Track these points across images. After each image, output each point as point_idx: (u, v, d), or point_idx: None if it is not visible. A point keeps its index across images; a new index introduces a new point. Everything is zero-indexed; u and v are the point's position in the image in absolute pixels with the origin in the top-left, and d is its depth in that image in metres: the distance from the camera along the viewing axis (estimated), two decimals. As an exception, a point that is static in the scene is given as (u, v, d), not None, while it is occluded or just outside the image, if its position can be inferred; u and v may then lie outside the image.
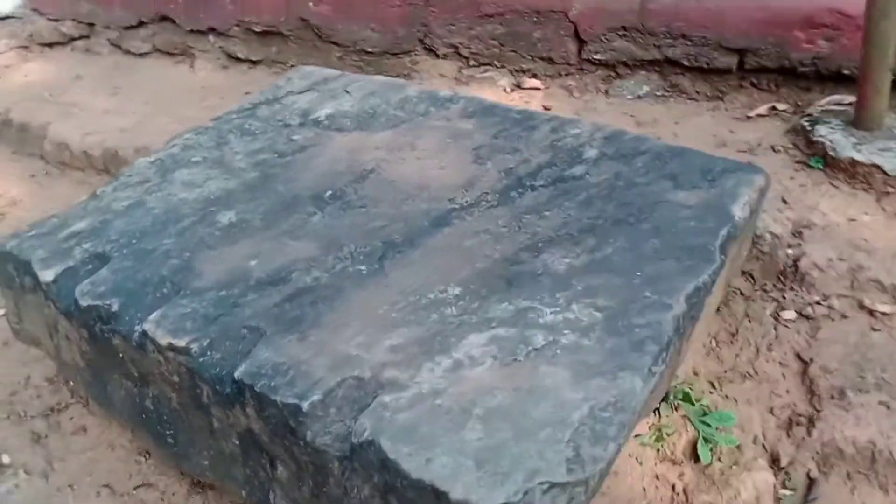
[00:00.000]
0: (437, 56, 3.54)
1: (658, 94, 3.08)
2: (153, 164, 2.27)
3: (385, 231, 1.82)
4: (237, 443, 1.51)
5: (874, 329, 2.00)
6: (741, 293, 2.14)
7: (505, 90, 3.26)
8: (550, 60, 3.27)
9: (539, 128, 2.27)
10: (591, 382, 1.31)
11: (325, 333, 1.50)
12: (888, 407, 1.77)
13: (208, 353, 1.49)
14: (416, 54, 3.59)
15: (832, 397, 1.83)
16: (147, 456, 1.93)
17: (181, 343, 1.51)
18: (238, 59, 4.08)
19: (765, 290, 2.15)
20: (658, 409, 1.80)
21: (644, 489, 1.69)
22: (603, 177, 1.99)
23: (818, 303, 2.09)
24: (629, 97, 3.08)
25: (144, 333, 1.54)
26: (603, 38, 3.09)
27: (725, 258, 1.69)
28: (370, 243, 1.77)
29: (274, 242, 1.81)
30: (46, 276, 1.79)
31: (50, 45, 4.75)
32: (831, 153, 2.41)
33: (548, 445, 1.21)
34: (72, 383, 2.09)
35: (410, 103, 2.50)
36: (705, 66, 2.96)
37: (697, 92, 3.04)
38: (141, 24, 4.37)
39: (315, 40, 3.83)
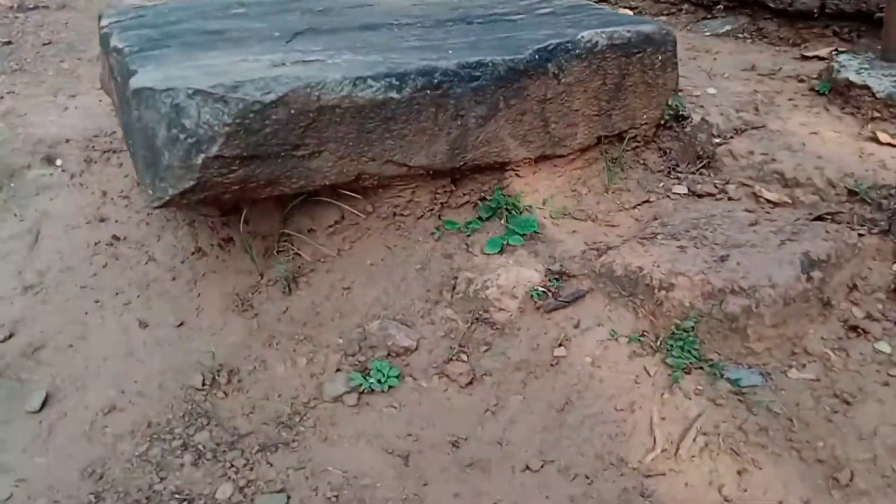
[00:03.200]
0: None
1: (739, 35, 3.01)
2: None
3: (320, 24, 2.20)
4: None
5: (748, 210, 1.92)
6: (644, 163, 2.15)
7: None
8: (655, -3, 3.34)
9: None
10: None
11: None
12: (682, 249, 1.74)
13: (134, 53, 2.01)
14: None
15: (645, 238, 1.83)
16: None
17: (120, 45, 2.06)
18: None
19: (673, 168, 2.14)
20: (481, 216, 1.96)
21: (428, 260, 1.88)
22: (531, 21, 2.17)
23: (714, 185, 2.04)
24: (707, 33, 3.06)
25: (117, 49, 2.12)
26: (700, -25, 3.11)
27: (552, 66, 1.82)
28: (299, 28, 2.17)
29: (242, 21, 2.30)
30: (102, 22, 2.49)
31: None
32: (835, 76, 2.26)
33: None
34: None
35: None
36: (789, 7, 2.85)
37: (780, 38, 2.93)
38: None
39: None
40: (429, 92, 1.68)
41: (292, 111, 1.53)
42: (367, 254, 1.89)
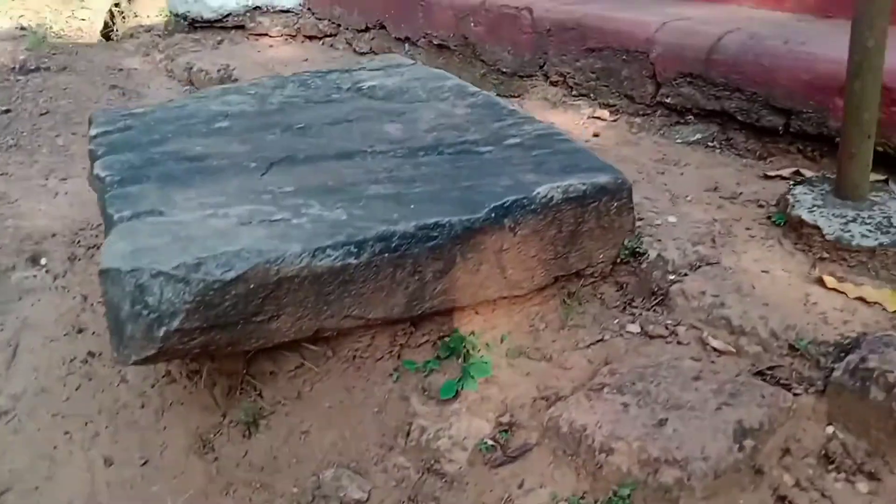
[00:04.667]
0: (550, 82, 3.90)
1: (709, 143, 3.11)
2: (226, 89, 3.02)
3: (297, 149, 2.31)
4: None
5: (694, 359, 1.99)
6: (601, 298, 2.23)
7: (582, 118, 3.52)
8: (632, 99, 3.45)
9: (506, 120, 2.59)
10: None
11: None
12: (625, 407, 1.82)
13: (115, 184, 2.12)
14: (535, 78, 3.99)
15: (592, 390, 1.91)
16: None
17: (102, 174, 2.17)
18: (418, 65, 4.78)
19: (629, 303, 2.22)
20: (439, 355, 2.04)
21: (385, 402, 1.96)
22: (496, 156, 2.27)
23: (666, 325, 2.12)
24: (679, 141, 3.16)
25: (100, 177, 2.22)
26: (674, 82, 3.22)
27: (508, 221, 1.91)
28: (277, 154, 2.28)
29: (224, 140, 2.40)
30: (91, 131, 2.59)
31: (310, 37, 5.96)
32: (790, 211, 2.35)
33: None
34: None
35: (438, 90, 2.95)
36: (755, 123, 2.95)
37: (748, 150, 3.03)
38: (366, 28, 5.32)
39: (471, 57, 4.40)
40: (387, 255, 1.76)
41: (251, 286, 1.62)
42: (326, 396, 1.96)
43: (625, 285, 2.26)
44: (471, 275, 1.93)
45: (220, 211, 1.84)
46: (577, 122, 3.47)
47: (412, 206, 1.89)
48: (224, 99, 2.88)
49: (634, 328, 2.14)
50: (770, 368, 1.93)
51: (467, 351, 2.04)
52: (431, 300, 1.92)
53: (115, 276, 1.55)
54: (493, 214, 1.88)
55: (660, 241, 2.32)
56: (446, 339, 2.06)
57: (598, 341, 2.12)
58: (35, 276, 2.80)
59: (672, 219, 2.46)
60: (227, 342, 1.67)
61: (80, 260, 2.99)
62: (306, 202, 1.92)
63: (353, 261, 1.72)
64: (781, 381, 1.91)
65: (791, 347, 1.96)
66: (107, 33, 7.27)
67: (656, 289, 2.22)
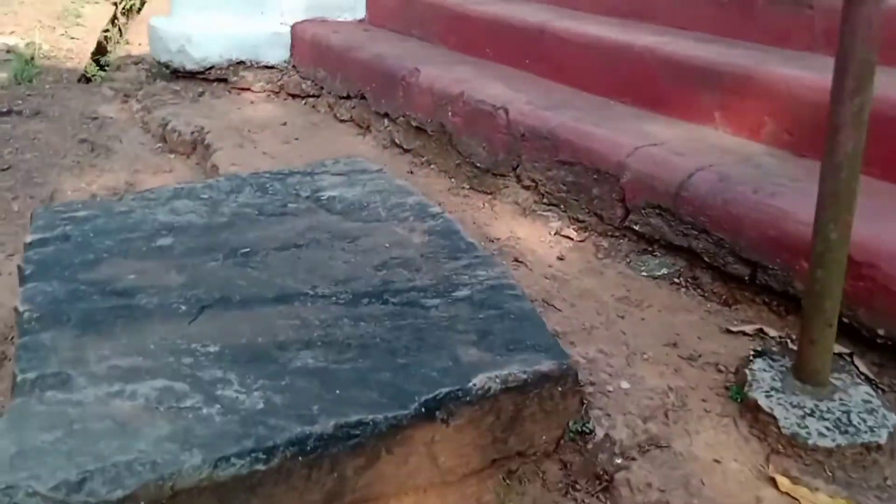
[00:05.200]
0: (522, 186, 3.81)
1: (675, 280, 3.01)
2: (178, 191, 2.90)
3: (234, 287, 2.19)
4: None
5: (631, 568, 1.86)
6: (542, 478, 2.10)
7: (549, 232, 3.41)
8: (601, 218, 3.36)
9: (461, 259, 2.47)
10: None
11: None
12: None
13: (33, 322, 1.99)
14: (508, 178, 3.89)
15: None
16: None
17: (21, 308, 2.03)
18: (395, 144, 4.70)
19: (572, 485, 2.09)
20: None
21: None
22: (442, 314, 2.14)
23: (607, 519, 1.99)
24: (644, 273, 3.05)
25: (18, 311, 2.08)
26: (643, 210, 3.12)
27: (441, 413, 1.78)
28: (212, 292, 2.15)
29: (161, 266, 2.27)
30: (27, 237, 2.46)
31: (293, 95, 5.87)
32: (747, 390, 2.24)
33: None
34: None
35: (399, 208, 2.84)
36: (722, 267, 2.85)
37: (714, 293, 2.92)
38: (348, 97, 5.23)
39: (447, 145, 4.31)
40: (301, 458, 1.63)
41: (142, 503, 1.48)
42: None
43: (569, 464, 2.14)
44: (397, 466, 1.80)
45: (128, 388, 1.71)
46: (544, 238, 3.36)
47: (337, 392, 1.76)
48: (173, 206, 2.75)
49: (573, 518, 2.01)
50: None
51: (392, 539, 1.90)
52: (352, 493, 1.78)
53: (-12, 491, 1.41)
54: (423, 409, 1.75)
55: (609, 415, 2.20)
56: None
57: (532, 532, 1.98)
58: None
59: (625, 384, 2.35)
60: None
61: (6, 364, 2.83)
62: (225, 376, 1.79)
63: (261, 467, 1.58)
64: None
65: (731, 568, 1.84)
66: (97, 59, 7.18)
67: (601, 472, 2.10)
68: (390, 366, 1.87)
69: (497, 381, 1.84)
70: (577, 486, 2.10)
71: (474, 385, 1.81)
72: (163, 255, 2.40)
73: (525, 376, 1.88)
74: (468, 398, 1.81)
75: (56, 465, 1.46)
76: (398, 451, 1.77)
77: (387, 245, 2.57)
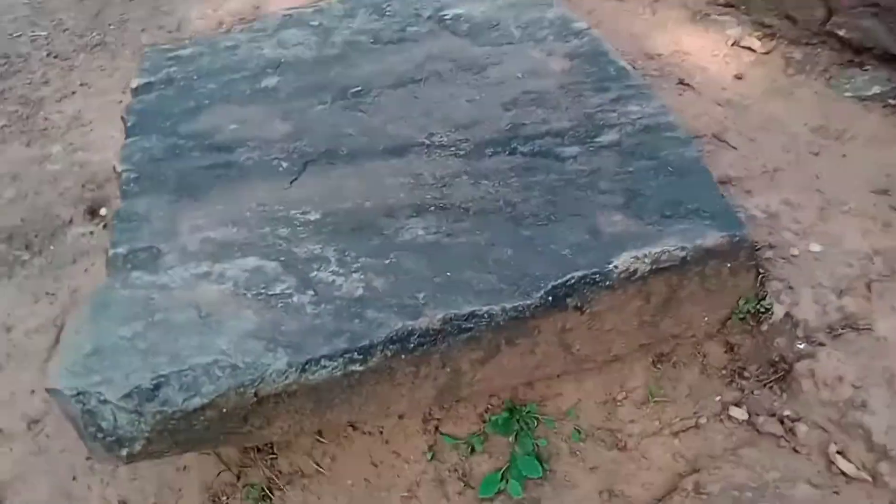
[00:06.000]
0: (697, -16, 3.12)
1: (890, 101, 2.37)
2: (286, 20, 2.58)
3: (340, 139, 1.91)
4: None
5: (811, 484, 1.54)
6: (703, 362, 1.76)
7: (725, 43, 2.79)
8: (794, 22, 2.68)
9: (609, 90, 2.04)
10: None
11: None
12: None
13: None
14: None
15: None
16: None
17: (120, 168, 1.87)
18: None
19: (739, 372, 1.74)
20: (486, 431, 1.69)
21: (417, 486, 1.67)
22: (581, 167, 1.76)
23: (782, 420, 1.64)
24: (848, 93, 2.43)
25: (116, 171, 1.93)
26: (852, 10, 2.43)
27: (572, 301, 1.46)
28: (317, 144, 1.89)
29: (264, 113, 2.02)
30: (134, 81, 2.28)
31: None
32: None
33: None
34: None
35: (535, 25, 2.38)
36: (962, 84, 2.18)
37: (947, 116, 2.27)
38: None
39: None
40: (404, 356, 1.39)
41: (224, 410, 1.31)
42: (349, 471, 1.69)
43: (736, 348, 1.77)
44: (522, 357, 1.53)
45: (216, 268, 1.51)
46: (718, 50, 2.74)
47: (448, 274, 1.47)
48: (281, 37, 2.44)
49: (740, 413, 1.68)
50: (914, 519, 1.44)
51: (523, 424, 1.67)
52: (470, 387, 1.54)
53: (61, 398, 1.28)
54: (550, 298, 1.42)
55: (792, 288, 1.78)
56: (497, 413, 1.69)
57: (689, 428, 1.68)
58: (92, 232, 2.62)
59: (816, 247, 1.88)
60: (213, 447, 1.39)
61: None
62: (323, 252, 1.55)
63: (358, 367, 1.36)
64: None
65: (951, 491, 1.45)
66: None
67: (778, 359, 1.72)
68: (513, 240, 1.53)
69: (646, 261, 1.47)
70: (746, 374, 1.74)
71: (615, 267, 1.45)
72: (267, 99, 2.13)
73: (683, 254, 1.48)
74: (608, 283, 1.45)
75: (130, 368, 1.31)
76: (522, 342, 1.48)
77: (519, 75, 2.14)
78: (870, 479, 1.51)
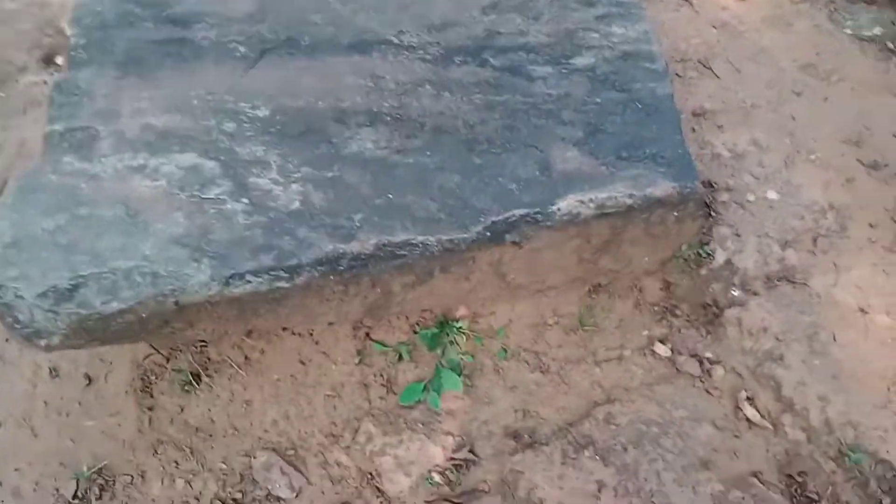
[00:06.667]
0: None
1: (889, 45, 2.27)
2: None
3: (305, 26, 1.79)
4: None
5: (715, 426, 1.60)
6: (637, 297, 1.78)
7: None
8: (809, -65, 2.50)
9: (596, 5, 1.91)
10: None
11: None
12: (599, 489, 1.50)
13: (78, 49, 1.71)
14: None
15: (572, 444, 1.58)
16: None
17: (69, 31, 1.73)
18: None
19: (671, 310, 1.77)
20: (415, 342, 1.72)
21: (342, 386, 1.71)
22: (549, 91, 1.69)
23: (700, 361, 1.69)
24: (848, 30, 2.31)
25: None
26: (871, -66, 2.27)
27: (511, 237, 1.44)
28: (278, 30, 1.77)
29: None
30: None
31: None
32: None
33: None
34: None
35: None
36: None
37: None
38: None
39: None
40: (332, 277, 1.38)
41: (143, 315, 1.30)
42: (277, 366, 1.73)
43: (672, 287, 1.79)
44: (456, 282, 1.53)
45: (152, 162, 1.46)
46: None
47: (389, 196, 1.44)
48: None
49: (664, 350, 1.73)
50: (801, 474, 1.53)
51: (450, 342, 1.71)
52: (401, 306, 1.55)
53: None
54: (487, 234, 1.41)
55: (738, 235, 1.78)
56: (429, 325, 1.72)
57: (612, 359, 1.73)
58: (45, 81, 2.50)
59: (773, 195, 1.87)
60: (133, 342, 1.41)
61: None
62: (265, 156, 1.49)
63: (283, 284, 1.35)
64: (809, 496, 1.52)
65: (840, 454, 1.53)
66: None
67: (710, 303, 1.75)
68: (463, 166, 1.49)
69: (591, 205, 1.44)
70: (677, 313, 1.77)
71: (558, 209, 1.42)
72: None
73: (630, 201, 1.45)
74: (549, 223, 1.43)
75: (49, 265, 1.29)
76: (456, 271, 1.48)
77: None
78: (771, 427, 1.59)
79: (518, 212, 1.42)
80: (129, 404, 1.73)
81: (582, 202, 1.44)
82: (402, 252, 1.39)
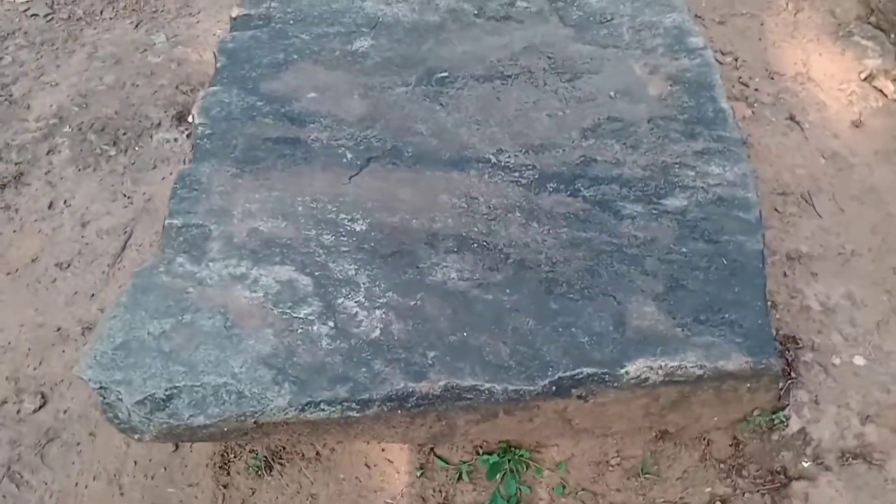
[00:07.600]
0: (848, -9, 2.84)
1: None
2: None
3: (405, 140, 1.90)
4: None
5: None
6: (704, 450, 1.77)
7: (858, 75, 2.56)
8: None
9: (697, 138, 1.94)
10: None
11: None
12: None
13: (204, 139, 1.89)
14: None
15: None
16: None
17: (197, 120, 1.93)
18: None
19: (737, 469, 1.75)
20: (476, 464, 1.77)
21: (401, 497, 1.78)
22: (636, 233, 1.72)
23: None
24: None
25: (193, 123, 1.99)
26: None
27: (577, 391, 1.48)
28: (385, 137, 1.89)
29: (346, 84, 2.02)
30: (234, 10, 2.30)
31: None
32: None
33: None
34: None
35: (650, 29, 2.27)
36: None
37: None
38: None
39: None
40: (400, 411, 1.46)
41: (225, 429, 1.42)
42: (344, 466, 1.82)
43: (742, 445, 1.77)
44: (519, 423, 1.58)
45: (253, 271, 1.59)
46: (847, 82, 2.53)
47: (464, 334, 1.50)
48: (386, -11, 2.38)
49: (725, 514, 1.70)
50: None
51: (510, 469, 1.75)
52: (465, 437, 1.61)
53: (85, 384, 1.42)
54: (554, 388, 1.45)
55: (817, 404, 1.74)
56: (492, 449, 1.77)
57: (668, 513, 1.72)
58: (176, 139, 2.73)
59: (860, 360, 1.81)
60: (216, 441, 1.53)
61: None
62: (356, 277, 1.59)
63: (354, 414, 1.44)
64: None
65: None
66: None
67: (779, 470, 1.72)
68: (539, 310, 1.54)
69: (660, 372, 1.46)
70: (744, 473, 1.75)
71: (626, 372, 1.45)
72: (353, 66, 2.12)
73: (700, 372, 1.46)
74: (616, 384, 1.46)
75: (150, 372, 1.43)
76: (520, 415, 1.53)
77: (612, 94, 2.05)
78: None
79: (587, 370, 1.46)
80: (207, 478, 1.86)
81: (651, 368, 1.46)
82: (469, 395, 1.45)
